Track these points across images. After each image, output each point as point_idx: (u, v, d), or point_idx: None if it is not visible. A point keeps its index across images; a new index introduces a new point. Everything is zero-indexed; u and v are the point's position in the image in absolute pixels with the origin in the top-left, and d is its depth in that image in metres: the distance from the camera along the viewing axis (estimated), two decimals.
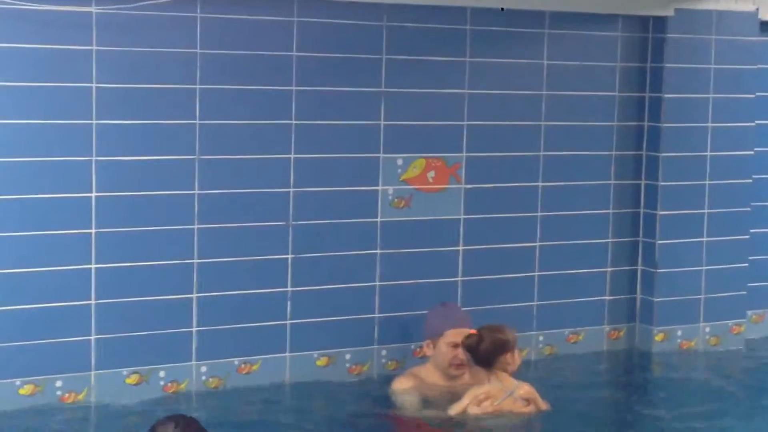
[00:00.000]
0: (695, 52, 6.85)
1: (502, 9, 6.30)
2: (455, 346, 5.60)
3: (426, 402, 5.60)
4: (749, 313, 7.31)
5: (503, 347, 5.42)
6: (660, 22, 6.78)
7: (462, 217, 6.48)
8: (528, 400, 5.47)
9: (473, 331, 5.53)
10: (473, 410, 5.37)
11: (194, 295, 5.88)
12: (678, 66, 6.82)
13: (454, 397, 5.50)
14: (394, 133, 6.26)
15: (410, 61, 6.25)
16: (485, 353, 5.42)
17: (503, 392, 5.41)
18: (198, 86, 5.78)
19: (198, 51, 5.77)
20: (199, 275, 5.87)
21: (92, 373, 5.70)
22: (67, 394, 5.65)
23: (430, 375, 5.74)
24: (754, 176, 7.14)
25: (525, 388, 5.49)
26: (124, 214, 5.69)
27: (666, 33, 6.77)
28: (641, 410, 6.07)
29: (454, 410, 5.42)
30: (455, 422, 5.39)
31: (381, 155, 6.25)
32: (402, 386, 5.70)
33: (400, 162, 6.29)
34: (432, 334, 5.75)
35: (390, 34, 6.19)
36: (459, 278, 6.50)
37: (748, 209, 7.14)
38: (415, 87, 6.28)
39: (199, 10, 5.73)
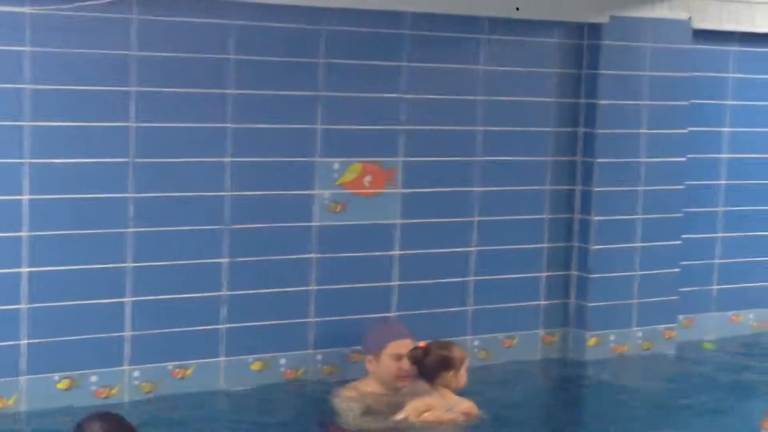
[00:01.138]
0: (629, 59, 6.92)
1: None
2: (399, 357, 5.59)
3: (367, 412, 5.57)
4: (680, 317, 7.41)
5: (448, 364, 5.44)
6: (595, 29, 6.84)
7: (398, 221, 6.48)
8: (468, 415, 5.49)
9: (422, 344, 5.54)
10: (413, 420, 5.38)
11: (128, 299, 5.80)
12: (612, 73, 6.88)
13: (396, 407, 5.48)
14: (331, 137, 6.24)
15: (348, 65, 6.24)
16: (430, 367, 5.44)
17: (444, 405, 5.42)
18: (133, 88, 5.71)
19: (133, 53, 5.70)
20: (132, 278, 5.80)
21: (22, 378, 5.60)
22: None
23: (372, 388, 5.72)
24: (686, 183, 7.23)
25: (466, 404, 5.51)
26: (56, 216, 5.60)
27: (601, 40, 6.83)
28: (576, 416, 6.13)
29: (395, 418, 5.41)
30: (395, 430, 5.38)
31: (317, 159, 6.23)
32: (344, 395, 5.68)
33: (336, 166, 6.28)
34: (373, 349, 5.73)
35: (328, 38, 6.17)
36: (395, 282, 6.49)
37: (681, 215, 7.23)
38: (352, 91, 6.27)
39: (135, 12, 5.67)
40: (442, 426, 5.38)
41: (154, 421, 5.53)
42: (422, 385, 5.53)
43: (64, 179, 5.60)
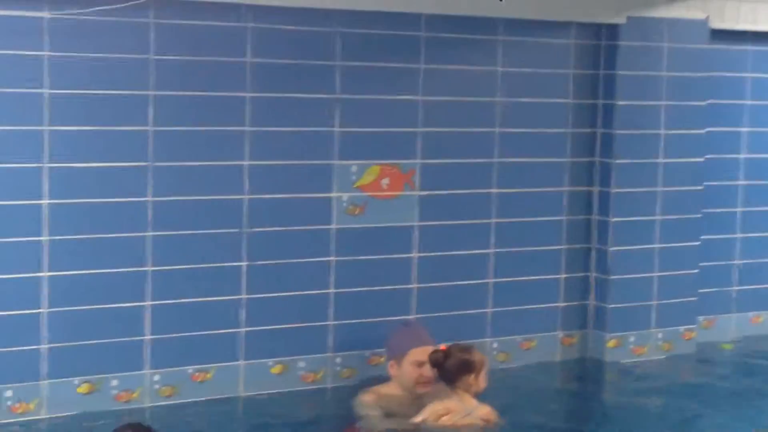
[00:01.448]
0: (647, 59, 6.90)
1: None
2: (420, 364, 5.56)
3: (387, 415, 5.56)
4: (700, 318, 7.38)
5: (468, 367, 5.42)
6: (612, 30, 6.83)
7: (417, 223, 6.47)
8: (486, 421, 5.48)
9: (442, 347, 5.52)
10: (431, 423, 5.36)
11: (147, 303, 5.81)
12: (630, 73, 6.86)
13: (415, 410, 5.47)
14: (349, 139, 6.24)
15: (365, 68, 6.24)
16: (450, 370, 5.41)
17: (463, 410, 5.40)
18: (151, 92, 5.72)
19: (151, 57, 5.71)
20: (152, 283, 5.81)
21: (43, 382, 5.61)
22: (17, 404, 5.57)
23: (393, 391, 5.70)
24: (705, 183, 7.21)
25: (485, 410, 5.49)
26: (76, 221, 5.62)
27: (618, 40, 6.82)
28: (594, 420, 6.11)
29: (413, 420, 5.40)
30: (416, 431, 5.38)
31: (335, 162, 6.22)
32: (366, 400, 5.67)
33: (354, 169, 6.27)
34: (395, 354, 5.71)
35: (344, 41, 6.17)
36: (414, 285, 6.49)
37: (699, 216, 7.20)
38: (369, 94, 6.27)
39: (152, 16, 5.68)
40: (460, 430, 5.36)
41: (174, 425, 5.53)
42: (442, 388, 5.51)
43: (83, 183, 5.61)
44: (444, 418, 5.38)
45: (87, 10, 5.46)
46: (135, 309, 5.79)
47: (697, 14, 7.02)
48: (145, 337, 5.82)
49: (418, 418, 5.40)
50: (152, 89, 5.72)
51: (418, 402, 5.57)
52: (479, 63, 6.56)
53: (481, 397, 5.54)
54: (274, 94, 6.02)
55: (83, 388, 5.69)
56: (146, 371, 5.84)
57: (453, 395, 5.44)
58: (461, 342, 5.67)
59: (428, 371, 5.53)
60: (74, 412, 5.63)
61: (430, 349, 5.57)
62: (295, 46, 6.06)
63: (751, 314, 7.70)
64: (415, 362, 5.58)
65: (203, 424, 5.69)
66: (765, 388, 6.34)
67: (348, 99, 6.21)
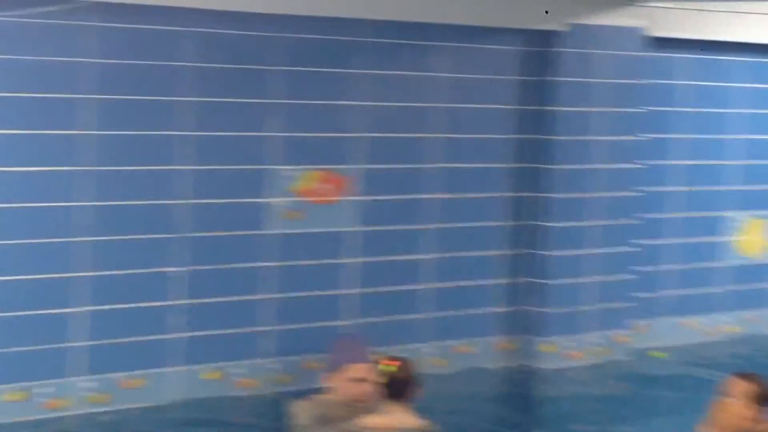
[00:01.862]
0: (587, 66, 6.91)
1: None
2: (357, 381, 5.51)
3: (323, 422, 5.50)
4: (635, 323, 7.42)
5: (417, 382, 5.37)
6: (556, 37, 6.82)
7: (357, 229, 6.41)
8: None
9: (393, 361, 5.43)
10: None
11: (74, 309, 5.67)
12: (571, 80, 6.86)
13: (352, 418, 5.42)
14: (289, 144, 6.16)
15: (307, 73, 6.16)
16: (399, 383, 5.34)
17: (399, 424, 5.36)
18: (80, 96, 5.58)
19: (80, 60, 5.56)
20: (79, 289, 5.67)
21: None
22: None
23: (330, 400, 5.65)
24: (642, 189, 7.24)
25: (422, 423, 5.45)
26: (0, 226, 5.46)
27: (561, 47, 6.81)
28: (529, 426, 6.12)
29: (350, 428, 5.35)
30: None
31: (275, 167, 6.14)
32: (301, 406, 5.60)
33: (294, 174, 6.19)
34: (334, 368, 5.67)
35: (285, 46, 6.09)
36: (353, 290, 6.43)
37: (635, 221, 7.24)
38: (310, 99, 6.19)
39: (81, 20, 5.53)
40: None
41: None
42: (382, 400, 5.44)
43: (8, 187, 5.45)
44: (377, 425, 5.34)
45: (15, 12, 5.30)
46: (63, 315, 5.66)
47: (637, 22, 7.03)
48: (75, 344, 5.69)
49: (354, 426, 5.34)
50: (80, 93, 5.57)
51: (354, 412, 5.51)
52: (424, 69, 6.53)
53: (416, 402, 5.50)
54: (213, 98, 5.92)
55: (10, 396, 5.54)
56: (76, 378, 5.70)
57: (392, 408, 5.38)
58: (394, 355, 5.58)
59: (365, 387, 5.47)
60: (2, 422, 5.48)
61: (365, 366, 5.51)
62: (235, 51, 5.96)
63: (684, 318, 7.77)
64: (351, 378, 5.52)
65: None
66: (696, 396, 6.39)
67: (289, 104, 6.12)
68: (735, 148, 7.84)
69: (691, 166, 7.67)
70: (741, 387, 4.80)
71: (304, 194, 6.23)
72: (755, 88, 7.87)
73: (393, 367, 5.36)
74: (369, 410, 5.38)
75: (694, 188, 7.70)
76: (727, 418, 4.77)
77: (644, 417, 6.16)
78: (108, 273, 5.74)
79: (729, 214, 7.88)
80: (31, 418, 5.55)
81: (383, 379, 5.31)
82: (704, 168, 7.73)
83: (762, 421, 4.84)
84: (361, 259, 6.44)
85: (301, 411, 5.55)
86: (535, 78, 6.87)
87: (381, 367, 5.36)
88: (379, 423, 5.33)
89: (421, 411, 5.35)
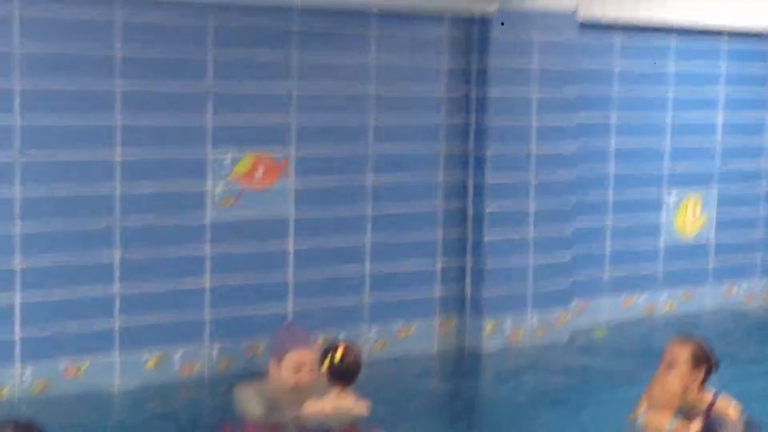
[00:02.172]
0: (518, 51, 7.00)
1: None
2: (297, 368, 5.54)
3: (268, 407, 5.53)
4: (574, 303, 7.54)
5: (360, 365, 5.42)
6: (484, 22, 6.91)
7: (292, 214, 6.48)
8: (360, 413, 5.48)
9: (339, 348, 5.46)
10: (310, 415, 5.37)
11: (17, 297, 5.72)
12: (502, 65, 6.95)
13: (296, 403, 5.46)
14: (222, 130, 6.21)
15: (238, 59, 6.22)
16: (346, 368, 5.38)
17: (341, 406, 5.40)
18: (17, 84, 5.62)
19: (16, 49, 5.61)
20: (22, 277, 5.72)
21: None
22: None
23: (272, 386, 5.68)
24: (576, 171, 7.36)
25: (364, 406, 5.49)
26: None
27: (490, 33, 6.90)
28: (470, 406, 6.20)
29: (295, 412, 5.40)
30: (298, 422, 5.38)
31: (209, 153, 6.19)
32: (245, 391, 5.63)
33: (227, 160, 6.25)
34: (275, 355, 5.69)
35: (216, 33, 6.14)
36: (290, 275, 6.51)
37: (572, 203, 7.36)
38: (243, 84, 6.25)
39: (17, 7, 5.58)
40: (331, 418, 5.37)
41: (46, 422, 5.39)
42: (323, 384, 5.48)
43: None
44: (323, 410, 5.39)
45: None
46: (3, 303, 5.69)
47: (567, 5, 7.14)
48: (15, 332, 5.73)
49: (298, 412, 5.38)
50: (18, 80, 5.62)
51: (298, 397, 5.56)
52: (353, 54, 6.59)
53: (358, 385, 5.56)
54: (146, 87, 5.96)
55: None
56: (16, 366, 5.75)
57: (335, 392, 5.42)
58: (336, 339, 5.64)
59: (305, 375, 5.51)
60: None
61: (306, 353, 5.55)
62: (167, 38, 6.00)
63: (622, 297, 7.90)
64: (292, 365, 5.54)
65: (77, 420, 5.61)
66: (636, 372, 6.49)
67: (221, 90, 6.18)
68: (668, 129, 7.98)
69: (625, 148, 7.80)
70: (683, 350, 4.89)
71: (238, 180, 6.30)
72: (688, 70, 8.02)
73: (336, 351, 5.41)
74: (312, 395, 5.45)
75: (629, 170, 7.83)
76: (671, 385, 4.84)
77: (583, 395, 6.25)
78: (46, 261, 5.77)
79: (664, 193, 8.03)
80: None
81: (325, 364, 5.39)
82: (638, 149, 7.86)
83: (704, 388, 4.93)
84: (297, 244, 6.51)
85: (246, 396, 5.59)
86: (466, 63, 6.94)
87: (323, 351, 5.43)
88: (323, 407, 5.40)
89: (363, 394, 5.46)
